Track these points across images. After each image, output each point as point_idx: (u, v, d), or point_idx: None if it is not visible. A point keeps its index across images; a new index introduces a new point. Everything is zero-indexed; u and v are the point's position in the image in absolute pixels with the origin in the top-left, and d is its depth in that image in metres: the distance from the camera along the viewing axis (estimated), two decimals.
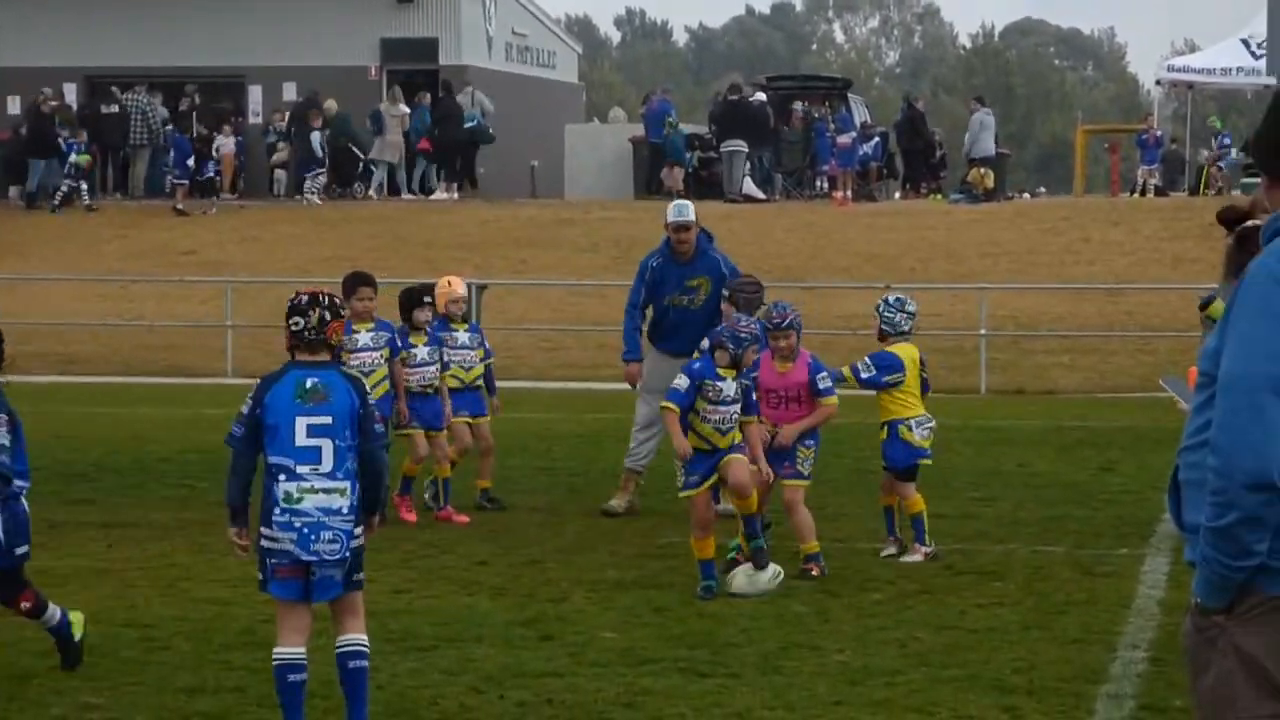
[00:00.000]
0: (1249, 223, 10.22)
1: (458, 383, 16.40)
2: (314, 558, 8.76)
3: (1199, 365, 5.18)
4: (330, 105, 44.33)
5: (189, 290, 35.01)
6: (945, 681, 10.14)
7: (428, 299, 16.20)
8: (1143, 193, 45.74)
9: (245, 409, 8.91)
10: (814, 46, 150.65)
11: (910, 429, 13.91)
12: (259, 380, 9.07)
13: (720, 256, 16.28)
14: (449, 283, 16.80)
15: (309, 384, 8.85)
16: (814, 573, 13.10)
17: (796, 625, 11.62)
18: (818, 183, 45.04)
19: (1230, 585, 5.00)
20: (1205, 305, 12.53)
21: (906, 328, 14.17)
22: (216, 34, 47.62)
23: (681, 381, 12.61)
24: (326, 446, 8.79)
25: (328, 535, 8.76)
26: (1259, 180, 5.41)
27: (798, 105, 45.33)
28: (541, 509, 16.41)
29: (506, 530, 15.31)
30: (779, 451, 13.20)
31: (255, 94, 48.55)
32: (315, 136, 43.40)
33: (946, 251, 35.83)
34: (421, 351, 15.86)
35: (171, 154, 43.95)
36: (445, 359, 16.28)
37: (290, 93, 46.26)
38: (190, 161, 43.56)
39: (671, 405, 12.58)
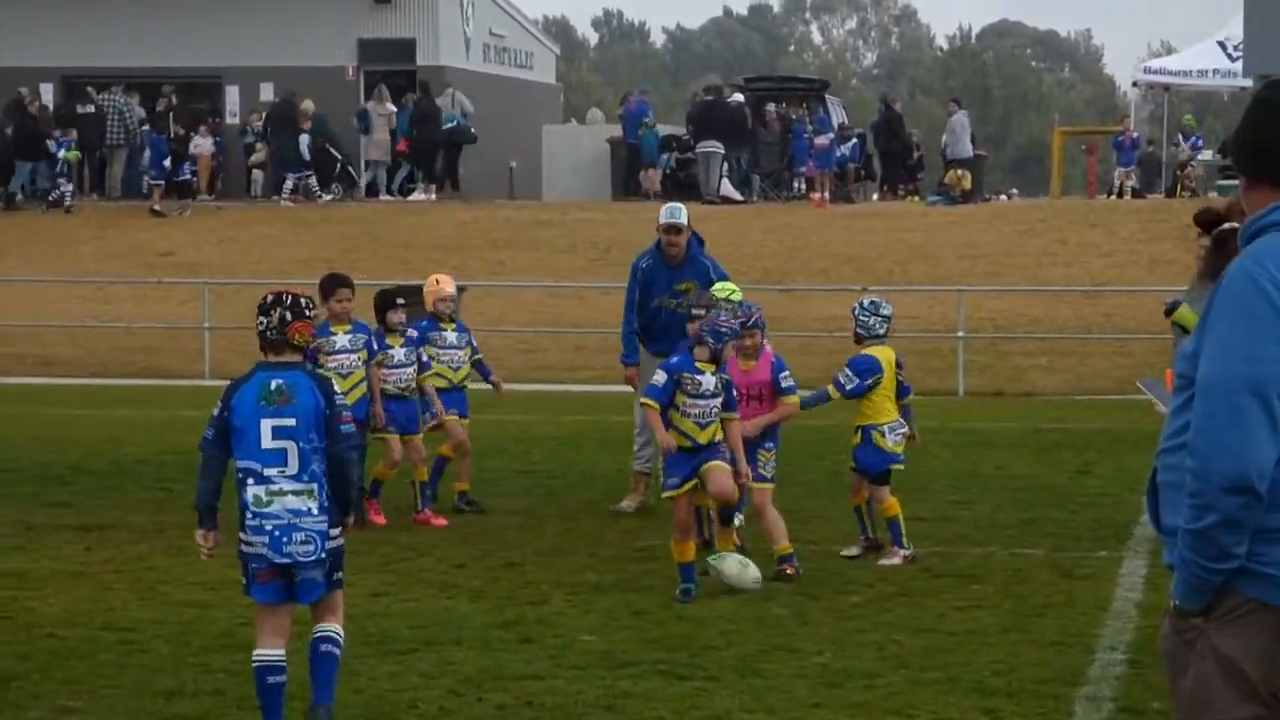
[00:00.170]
0: (1226, 225, 10.23)
1: (445, 382, 16.39)
2: (288, 560, 8.76)
3: (1177, 368, 5.19)
4: (308, 106, 44.28)
5: (166, 292, 34.94)
6: (924, 684, 10.15)
7: (401, 301, 16.15)
8: (1120, 195, 45.83)
9: (215, 411, 8.94)
10: (791, 48, 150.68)
11: (884, 434, 13.96)
12: (228, 382, 9.08)
13: (710, 262, 16.28)
14: (438, 281, 16.78)
15: (273, 386, 8.84)
16: (789, 572, 13.13)
17: (775, 628, 11.63)
18: (795, 184, 45.07)
19: (1208, 588, 5.01)
20: (1170, 311, 12.55)
21: (881, 331, 14.19)
22: (193, 34, 47.52)
23: (659, 377, 12.64)
24: (291, 449, 8.79)
25: (299, 537, 8.76)
26: (1236, 182, 5.42)
27: (771, 107, 45.35)
28: (520, 511, 16.40)
29: (485, 533, 15.30)
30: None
31: (232, 94, 48.47)
32: (304, 140, 43.41)
33: (924, 253, 35.86)
34: (398, 353, 15.79)
35: (148, 155, 43.86)
36: (433, 358, 16.28)
37: (268, 93, 46.19)
38: (167, 162, 43.47)
39: (651, 401, 12.60)
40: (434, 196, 44.07)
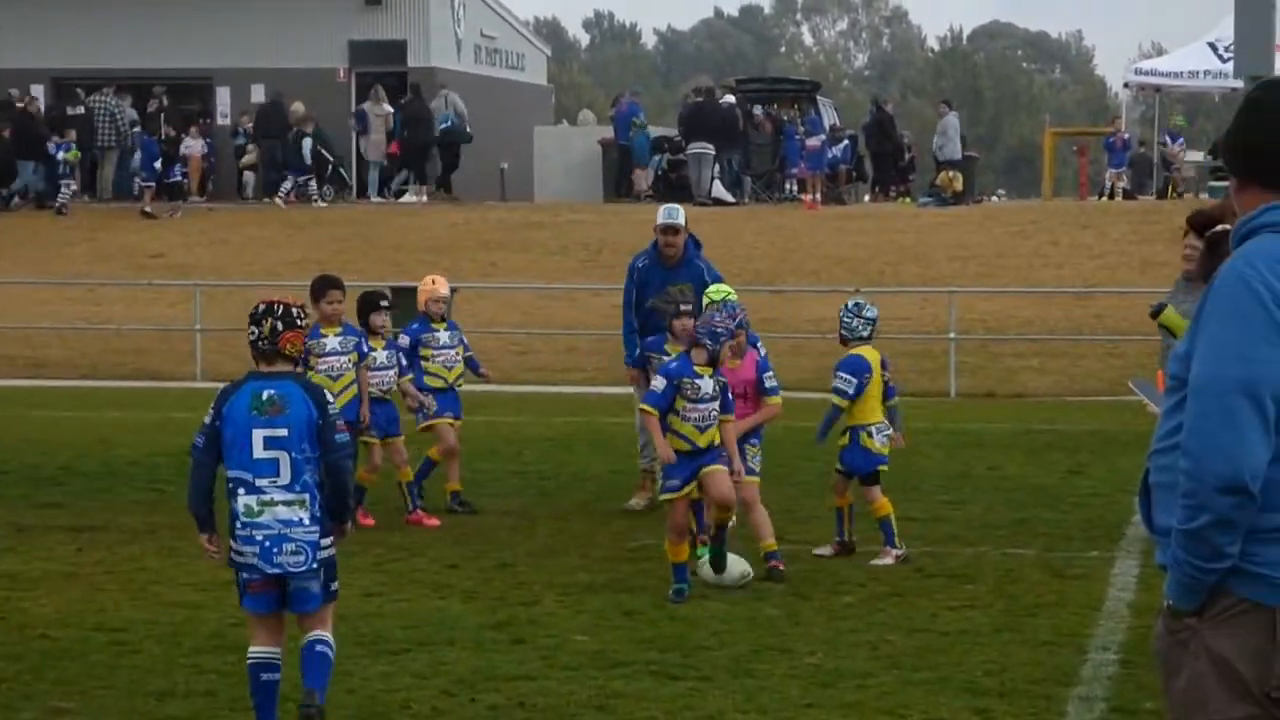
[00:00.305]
0: (1219, 228, 10.23)
1: (441, 382, 16.41)
2: (278, 570, 8.73)
3: (1169, 369, 5.19)
4: (298, 107, 44.27)
5: (157, 294, 34.91)
6: (917, 684, 10.16)
7: (384, 303, 16.13)
8: (1111, 196, 45.83)
9: (206, 419, 8.91)
10: (782, 49, 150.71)
11: (871, 435, 14.01)
12: (219, 390, 9.05)
13: (705, 264, 16.29)
14: (433, 281, 16.79)
15: (265, 395, 8.80)
16: (780, 569, 13.17)
17: (768, 628, 11.63)
18: (787, 186, 45.06)
19: (1202, 587, 5.02)
20: (1156, 313, 12.58)
21: (865, 333, 14.23)
22: (184, 36, 47.49)
23: (658, 383, 12.62)
24: (284, 459, 8.76)
25: (290, 547, 8.73)
26: (1227, 184, 5.42)
27: (758, 110, 45.35)
28: (512, 512, 16.40)
29: (477, 534, 15.30)
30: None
31: (223, 96, 48.43)
32: (307, 143, 43.49)
33: (915, 255, 35.87)
34: (380, 356, 15.74)
35: (138, 156, 43.81)
36: (426, 359, 16.30)
37: (259, 95, 46.16)
38: (158, 164, 43.43)
39: (650, 408, 12.57)
40: (425, 198, 44.06)
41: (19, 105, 43.87)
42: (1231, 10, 25.67)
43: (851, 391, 13.95)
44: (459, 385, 16.62)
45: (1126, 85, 54.01)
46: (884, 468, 14.13)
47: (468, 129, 44.03)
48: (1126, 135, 47.41)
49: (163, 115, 46.28)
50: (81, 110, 44.21)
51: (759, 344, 14.63)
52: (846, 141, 46.10)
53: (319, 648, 8.90)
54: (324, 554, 8.85)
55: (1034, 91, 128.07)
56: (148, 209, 42.15)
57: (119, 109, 44.57)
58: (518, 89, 53.80)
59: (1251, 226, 5.14)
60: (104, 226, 41.14)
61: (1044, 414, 24.67)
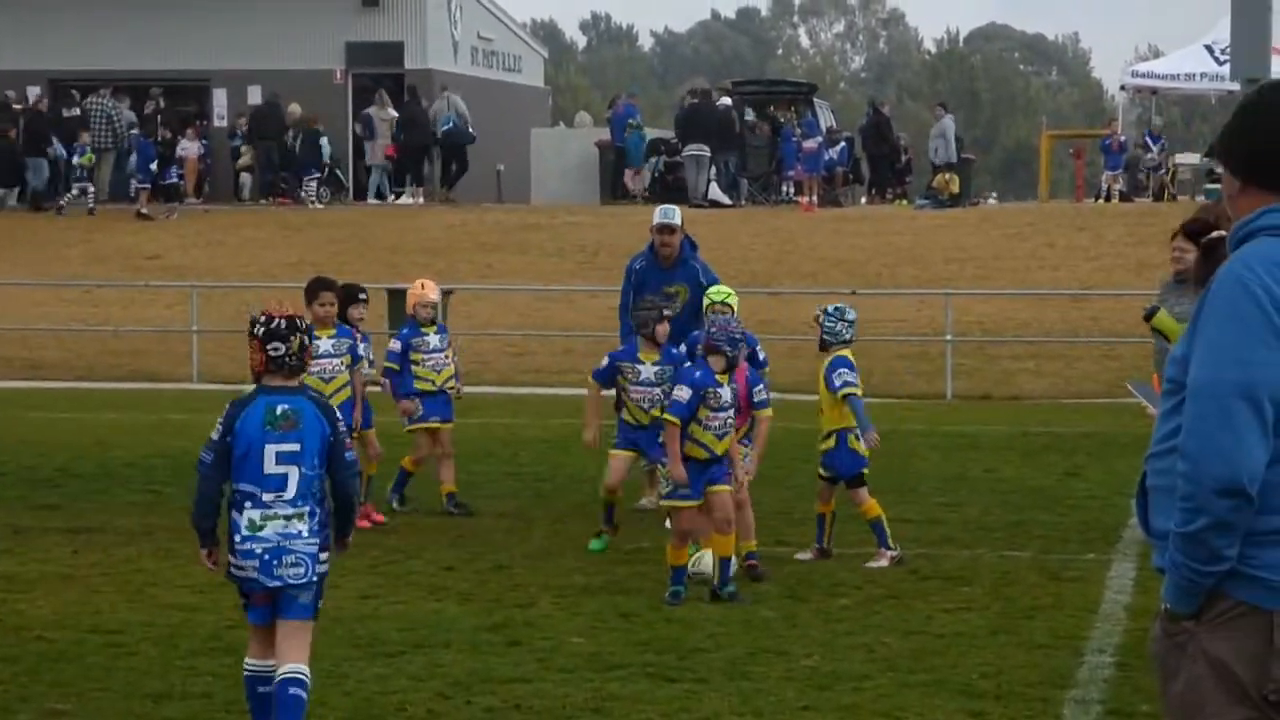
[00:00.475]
0: (1216, 233, 10.25)
1: (430, 385, 16.40)
2: (278, 582, 8.67)
3: (1166, 372, 5.19)
4: (294, 109, 44.29)
5: (154, 295, 34.89)
6: (913, 686, 10.16)
7: (363, 296, 16.15)
8: (1107, 198, 45.86)
9: (215, 435, 8.79)
10: (779, 51, 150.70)
11: (857, 437, 14.04)
12: (228, 404, 8.94)
13: (701, 266, 16.33)
14: (422, 285, 16.78)
15: (279, 410, 8.74)
16: (758, 570, 13.25)
17: (764, 630, 11.63)
18: (783, 188, 45.07)
19: (1199, 591, 5.01)
20: (1150, 317, 12.61)
21: (848, 336, 14.28)
22: (181, 37, 47.49)
23: (683, 393, 12.55)
24: (293, 473, 8.70)
25: (290, 559, 8.67)
26: (1219, 186, 5.41)
27: (750, 114, 45.33)
28: (508, 514, 16.40)
29: (473, 535, 15.29)
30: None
31: (220, 97, 48.43)
32: (324, 142, 43.61)
33: (912, 257, 35.88)
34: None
35: (134, 158, 43.80)
36: (416, 363, 16.29)
37: (255, 96, 46.17)
38: (153, 165, 43.41)
39: (675, 419, 12.51)
40: (421, 200, 44.07)
41: (20, 106, 43.85)
42: (1228, 13, 25.70)
43: (862, 391, 14.06)
44: (449, 389, 16.60)
45: (1123, 88, 54.10)
46: (865, 470, 14.18)
47: (470, 130, 44.02)
48: (1123, 138, 47.42)
49: (159, 117, 46.30)
50: (76, 112, 44.22)
51: (758, 346, 14.65)
52: (843, 144, 46.12)
53: (292, 690, 8.64)
54: (321, 568, 8.81)
55: (1030, 94, 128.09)
56: (144, 210, 42.13)
57: (116, 110, 44.57)
58: (515, 91, 53.81)
59: (1249, 229, 5.14)
60: (100, 228, 41.13)
61: (1040, 416, 24.67)
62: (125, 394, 28.01)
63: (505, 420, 23.68)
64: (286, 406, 8.76)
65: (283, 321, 8.84)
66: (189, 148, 45.62)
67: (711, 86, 50.28)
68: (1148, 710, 9.44)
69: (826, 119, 47.77)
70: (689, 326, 15.74)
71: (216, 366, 29.21)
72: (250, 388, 8.95)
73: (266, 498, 8.69)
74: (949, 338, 28.62)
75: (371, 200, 44.55)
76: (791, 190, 44.50)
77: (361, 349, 15.70)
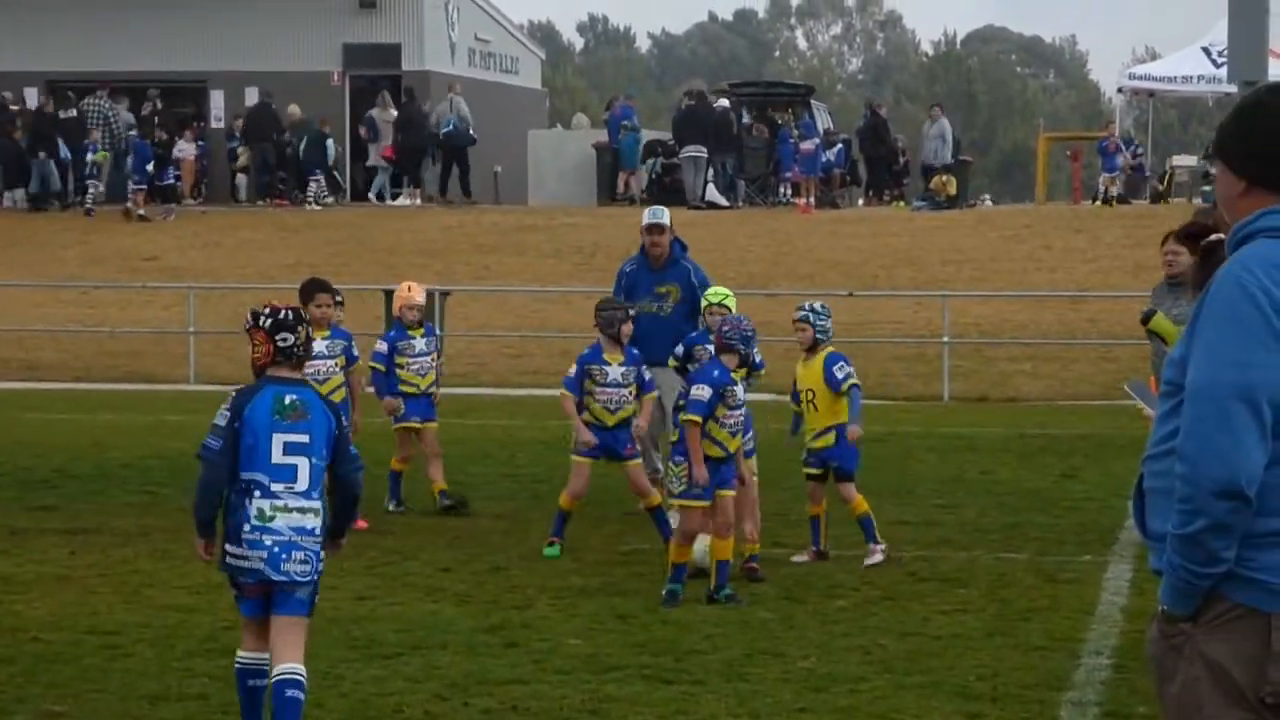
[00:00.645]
0: (1214, 236, 10.25)
1: (414, 389, 16.44)
2: (284, 578, 8.62)
3: (1163, 374, 5.19)
4: (294, 110, 44.28)
5: (151, 296, 34.90)
6: (909, 688, 10.16)
7: (338, 299, 16.14)
8: (1105, 200, 45.84)
9: (221, 421, 8.72)
10: (777, 53, 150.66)
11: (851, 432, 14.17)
12: (233, 394, 8.94)
13: (692, 266, 16.39)
14: (409, 288, 16.78)
15: (288, 400, 8.73)
16: (757, 570, 13.33)
17: (761, 632, 11.63)
18: (781, 189, 45.06)
19: (1197, 592, 5.01)
20: (1147, 320, 12.63)
21: (832, 333, 14.42)
22: (178, 38, 47.47)
23: (704, 393, 12.59)
24: (303, 465, 8.67)
25: (299, 555, 8.64)
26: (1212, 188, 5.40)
27: (747, 116, 45.32)
28: (506, 516, 16.40)
29: (471, 537, 15.30)
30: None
31: (217, 99, 48.42)
32: (330, 144, 43.64)
33: (909, 259, 35.89)
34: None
35: (130, 160, 43.77)
36: (401, 366, 16.33)
37: (252, 98, 46.15)
38: (150, 166, 43.38)
39: (696, 417, 12.55)
40: (419, 201, 44.07)
41: (17, 107, 43.85)
42: (1225, 15, 25.70)
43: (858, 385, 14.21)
44: (433, 392, 16.63)
45: (1120, 90, 54.08)
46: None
47: (471, 133, 44.00)
48: (1120, 140, 47.38)
49: (156, 118, 46.28)
50: (73, 113, 44.20)
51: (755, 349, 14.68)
52: (840, 145, 46.10)
53: (290, 692, 8.60)
54: (322, 566, 8.81)
55: (1028, 96, 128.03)
56: (141, 212, 42.09)
57: (113, 112, 44.55)
58: (512, 92, 53.80)
59: (1248, 231, 5.13)
60: (97, 229, 41.13)
61: (1037, 418, 24.68)
62: (122, 395, 28.01)
63: (502, 422, 23.68)
64: (295, 397, 8.75)
65: (290, 312, 8.87)
66: (186, 149, 45.60)
67: (709, 88, 50.24)
68: (1144, 712, 9.44)
69: (824, 121, 47.75)
70: (683, 326, 15.80)
71: (214, 368, 29.21)
72: None
73: (276, 488, 8.63)
74: (946, 339, 28.63)
75: (375, 201, 44.54)
76: (789, 192, 44.48)
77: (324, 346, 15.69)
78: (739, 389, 12.77)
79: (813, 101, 48.88)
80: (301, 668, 8.69)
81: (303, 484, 8.66)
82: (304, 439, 8.69)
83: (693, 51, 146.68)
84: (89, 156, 42.97)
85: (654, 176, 44.76)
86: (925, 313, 31.47)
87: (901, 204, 45.24)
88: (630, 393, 14.63)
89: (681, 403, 12.77)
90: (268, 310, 8.86)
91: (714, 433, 12.63)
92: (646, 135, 46.45)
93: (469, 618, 12.01)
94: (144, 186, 42.95)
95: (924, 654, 10.99)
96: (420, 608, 12.36)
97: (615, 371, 14.68)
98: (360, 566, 13.68)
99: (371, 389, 16.64)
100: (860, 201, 47.61)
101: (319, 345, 15.12)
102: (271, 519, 8.62)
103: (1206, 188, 40.68)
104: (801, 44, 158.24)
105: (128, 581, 13.24)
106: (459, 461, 19.20)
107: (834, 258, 36.11)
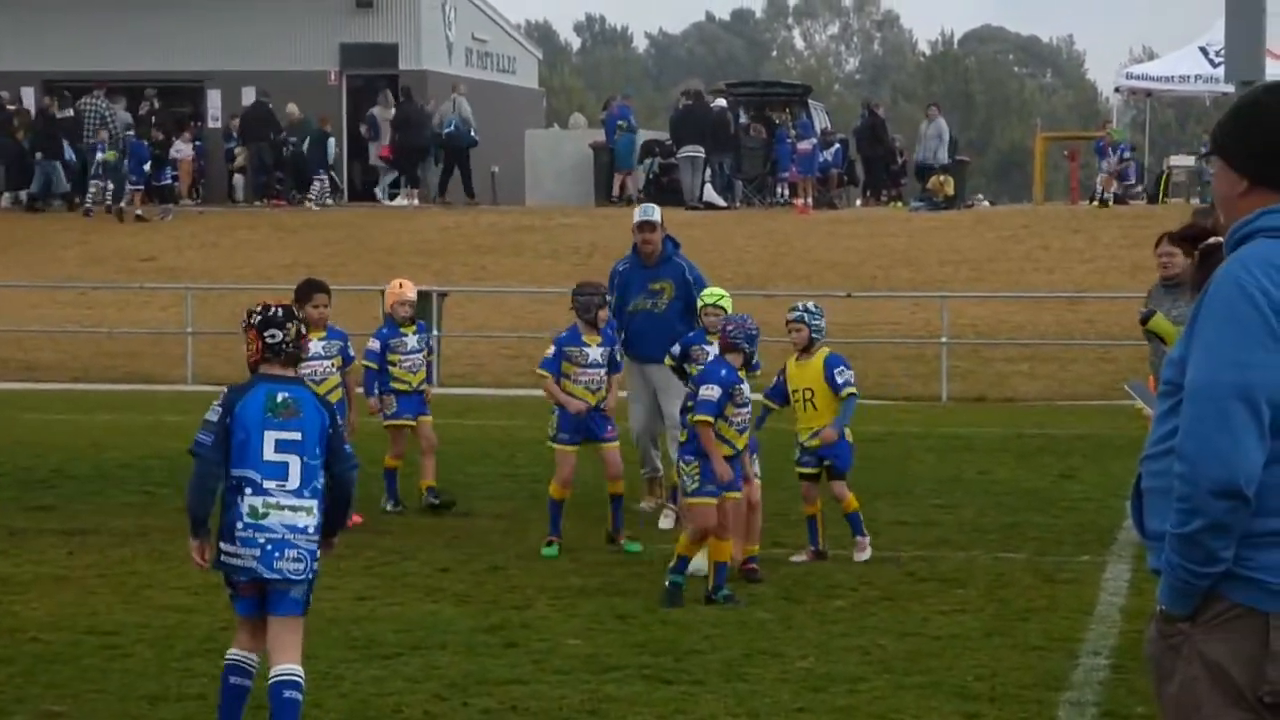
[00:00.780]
0: (1212, 239, 10.27)
1: (405, 386, 16.46)
2: (277, 575, 8.61)
3: (1162, 374, 5.20)
4: (292, 109, 44.26)
5: (149, 297, 34.89)
6: (908, 688, 10.17)
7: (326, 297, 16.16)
8: (1102, 201, 45.83)
9: (213, 417, 8.72)
10: (774, 53, 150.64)
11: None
12: (225, 390, 8.96)
13: (685, 262, 16.44)
14: (400, 285, 16.79)
15: (280, 398, 8.72)
16: (756, 571, 13.34)
17: (760, 632, 11.64)
18: (778, 190, 45.07)
19: (1195, 592, 5.02)
20: (1146, 320, 12.64)
21: (825, 332, 14.50)
22: (175, 38, 47.46)
23: (713, 392, 12.61)
24: (294, 463, 8.66)
25: (292, 554, 8.63)
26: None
27: (744, 116, 45.29)
28: (505, 516, 16.41)
29: (470, 537, 15.30)
30: None
31: (214, 99, 48.42)
32: (331, 143, 43.66)
33: (907, 259, 35.89)
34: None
35: (126, 160, 43.73)
36: (393, 363, 16.34)
37: (249, 98, 46.14)
38: (146, 167, 43.35)
39: (708, 418, 12.57)
40: (416, 201, 44.07)
41: (14, 107, 43.85)
42: (1223, 15, 25.72)
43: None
44: (424, 388, 16.66)
45: (1117, 89, 54.10)
46: None
47: (474, 134, 43.99)
48: (1110, 143, 47.32)
49: (153, 118, 46.26)
50: (69, 112, 44.18)
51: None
52: (838, 145, 46.11)
53: (287, 693, 8.59)
54: (317, 564, 8.80)
55: (1025, 96, 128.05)
56: (139, 212, 42.07)
57: (110, 112, 44.53)
58: (509, 92, 53.80)
59: (1246, 231, 5.14)
60: (95, 230, 41.12)
61: (1035, 418, 24.68)
62: (120, 395, 28.01)
63: (501, 422, 23.68)
64: (287, 395, 8.74)
65: (279, 310, 8.88)
66: (183, 149, 45.58)
67: (706, 88, 50.20)
68: (1143, 712, 9.44)
69: (821, 121, 47.73)
70: (679, 322, 15.83)
71: (211, 368, 29.20)
72: None
73: (268, 485, 8.62)
74: (944, 340, 28.64)
75: (383, 199, 44.56)
76: (786, 192, 44.48)
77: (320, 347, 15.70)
78: (745, 387, 12.82)
79: (810, 101, 48.86)
80: (299, 668, 8.68)
81: (294, 482, 8.65)
82: (296, 436, 8.68)
83: (690, 51, 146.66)
84: (99, 156, 42.95)
85: (651, 177, 44.74)
86: (923, 313, 31.48)
87: (899, 204, 45.23)
88: (608, 374, 14.89)
89: (690, 404, 12.77)
90: (259, 308, 8.88)
91: (723, 431, 12.67)
92: (644, 135, 46.43)
93: (468, 618, 12.01)
94: (141, 187, 42.92)
95: (922, 654, 11.00)
96: (419, 608, 12.36)
97: (595, 352, 14.91)
98: (359, 567, 13.68)
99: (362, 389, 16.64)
100: (858, 202, 47.61)
101: (316, 346, 15.14)
102: (264, 516, 8.61)
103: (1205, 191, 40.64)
104: (799, 44, 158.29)
105: (126, 582, 13.24)
106: (458, 461, 19.21)
107: (831, 258, 36.11)
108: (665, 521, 15.86)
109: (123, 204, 42.32)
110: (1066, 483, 18.47)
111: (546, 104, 67.37)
